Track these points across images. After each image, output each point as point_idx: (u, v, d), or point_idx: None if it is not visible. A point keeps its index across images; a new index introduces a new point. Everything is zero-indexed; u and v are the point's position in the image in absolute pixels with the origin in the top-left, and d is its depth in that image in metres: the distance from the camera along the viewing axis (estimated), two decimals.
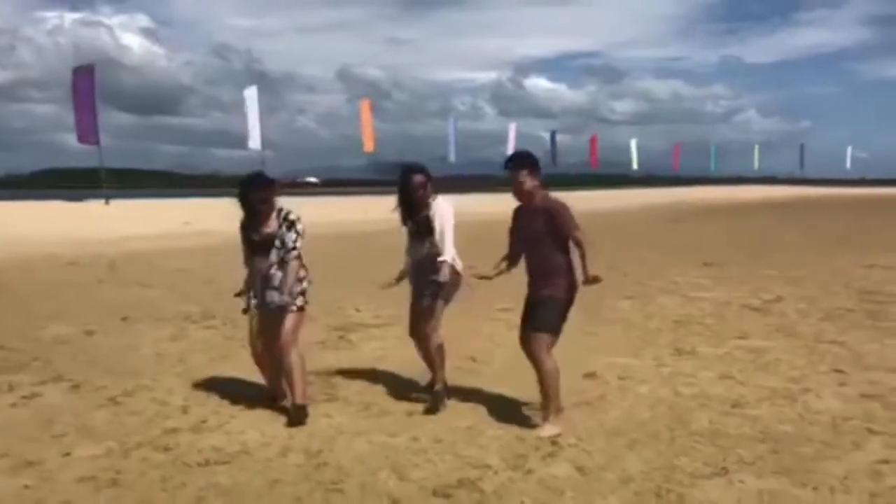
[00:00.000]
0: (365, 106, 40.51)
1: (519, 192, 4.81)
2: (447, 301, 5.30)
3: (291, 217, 5.00)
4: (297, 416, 4.91)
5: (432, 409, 5.11)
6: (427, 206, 5.26)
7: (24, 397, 5.55)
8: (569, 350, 6.67)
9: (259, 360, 5.31)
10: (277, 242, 4.95)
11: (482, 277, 5.02)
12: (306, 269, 5.10)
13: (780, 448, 4.45)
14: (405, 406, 5.25)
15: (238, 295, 5.24)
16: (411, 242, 5.41)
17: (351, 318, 8.59)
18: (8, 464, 4.24)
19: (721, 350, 6.96)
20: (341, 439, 4.61)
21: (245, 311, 5.18)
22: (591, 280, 4.63)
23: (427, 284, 5.24)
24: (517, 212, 4.96)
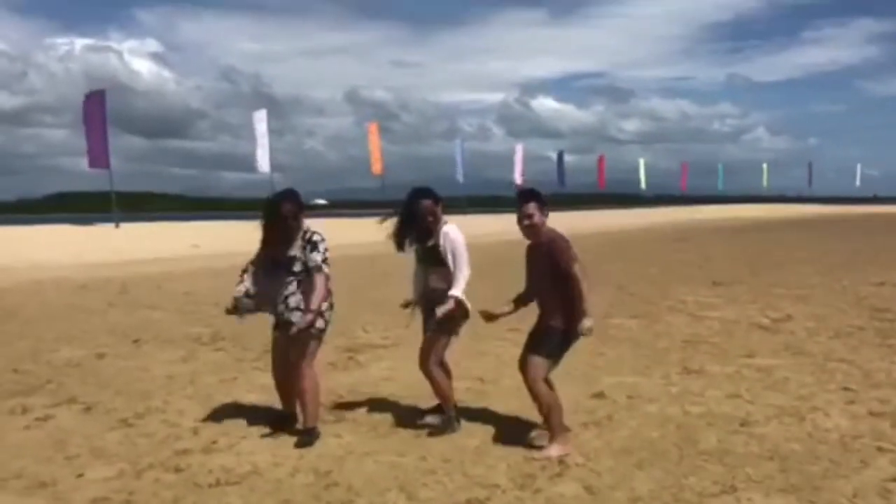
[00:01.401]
0: (373, 129, 40.79)
1: (528, 226, 4.84)
2: (455, 334, 5.20)
3: (315, 238, 5.00)
4: (306, 439, 4.94)
5: (437, 432, 5.10)
6: (435, 233, 5.11)
7: (37, 419, 5.60)
8: (577, 369, 6.73)
9: (275, 377, 5.35)
10: (298, 265, 4.95)
11: (488, 318, 5.06)
12: (330, 292, 5.10)
13: (788, 466, 4.46)
14: (413, 427, 5.27)
15: (233, 310, 5.17)
16: (417, 270, 5.27)
17: (359, 339, 8.63)
18: (22, 485, 4.29)
19: (729, 369, 6.96)
20: (350, 459, 4.64)
21: (231, 310, 5.15)
22: (581, 330, 4.62)
23: (432, 317, 5.12)
24: (528, 249, 5.00)
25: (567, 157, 66.93)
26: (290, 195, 5.03)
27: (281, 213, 4.94)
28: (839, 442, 4.91)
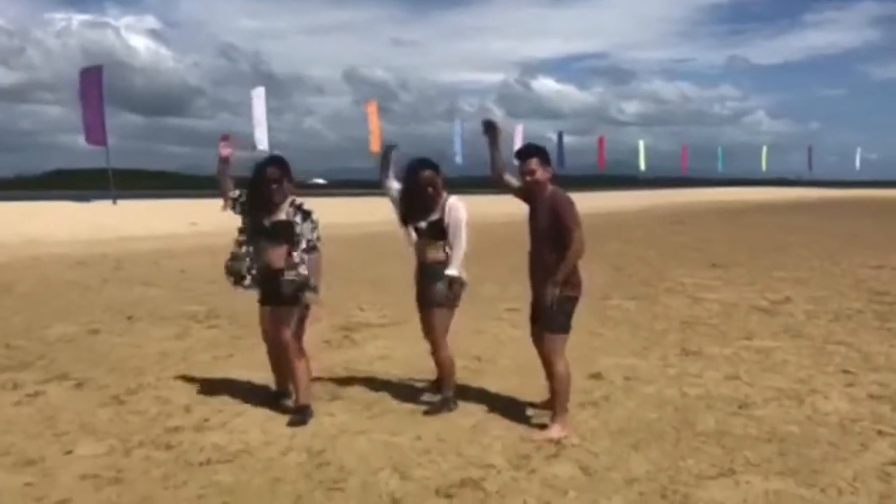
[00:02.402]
0: (372, 107, 40.57)
1: (530, 182, 4.69)
2: (452, 308, 5.09)
3: (306, 207, 4.90)
4: (298, 417, 4.88)
5: (433, 411, 5.05)
6: (437, 206, 4.99)
7: (28, 395, 5.53)
8: (574, 350, 6.61)
9: (269, 350, 5.25)
10: (287, 231, 4.81)
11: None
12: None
13: (786, 449, 4.41)
14: (409, 405, 5.21)
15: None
16: (419, 243, 5.11)
17: (355, 318, 8.56)
18: (10, 461, 4.22)
19: (728, 351, 6.91)
20: (344, 438, 4.59)
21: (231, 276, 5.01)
22: (555, 296, 4.57)
23: (431, 292, 5.04)
24: (530, 211, 4.81)
25: (567, 139, 66.80)
26: (275, 160, 4.95)
27: (266, 177, 4.82)
28: (838, 425, 4.86)
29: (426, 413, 5.03)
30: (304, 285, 4.83)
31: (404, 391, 5.54)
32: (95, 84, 26.91)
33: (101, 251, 15.98)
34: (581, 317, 7.87)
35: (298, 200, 4.93)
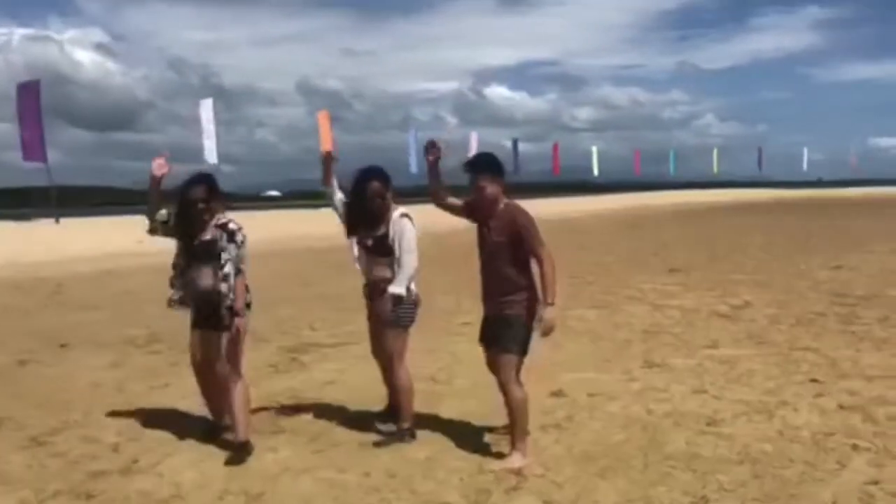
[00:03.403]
0: (323, 116, 39.86)
1: (480, 200, 4.33)
2: (406, 328, 4.75)
3: (231, 227, 4.52)
4: (238, 455, 4.47)
5: (385, 443, 4.66)
6: (384, 220, 4.65)
7: None
8: (533, 366, 6.34)
9: (198, 377, 4.82)
10: (224, 256, 4.46)
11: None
12: (247, 290, 4.63)
13: (760, 471, 4.13)
14: (357, 436, 4.82)
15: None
16: (365, 259, 4.76)
17: (305, 338, 8.14)
18: None
19: (692, 361, 6.66)
20: (286, 477, 4.19)
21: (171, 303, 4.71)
22: (546, 324, 4.17)
23: (382, 312, 4.67)
24: (479, 227, 4.42)
25: (522, 146, 66.88)
26: (201, 178, 4.59)
27: (191, 197, 4.50)
28: (812, 441, 4.60)
29: (377, 444, 4.65)
30: (232, 308, 4.47)
31: (354, 420, 5.14)
32: (33, 98, 25.95)
33: (40, 274, 15.25)
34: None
35: (224, 219, 4.56)
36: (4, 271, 15.66)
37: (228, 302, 4.45)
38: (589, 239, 22.97)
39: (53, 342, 8.30)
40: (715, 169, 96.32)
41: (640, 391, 5.76)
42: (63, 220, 27.53)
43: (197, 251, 4.53)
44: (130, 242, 21.60)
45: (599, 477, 4.11)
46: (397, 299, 4.56)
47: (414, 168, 46.89)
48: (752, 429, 4.84)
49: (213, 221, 4.52)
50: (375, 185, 4.60)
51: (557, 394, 5.68)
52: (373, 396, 5.44)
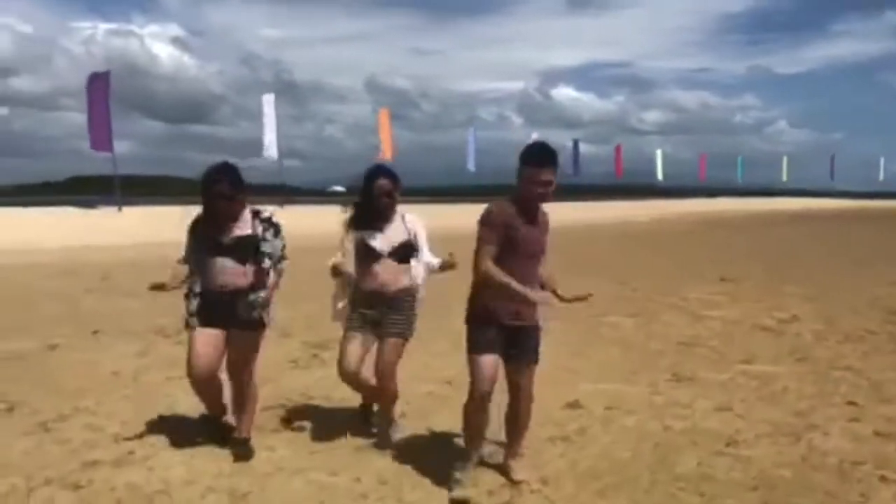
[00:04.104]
0: (384, 115, 40.12)
1: (541, 195, 3.82)
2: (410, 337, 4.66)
3: (276, 220, 4.40)
4: (247, 451, 4.41)
5: (386, 441, 4.59)
6: (390, 219, 4.51)
7: None
8: (553, 374, 6.14)
9: (202, 384, 4.49)
10: (266, 249, 4.29)
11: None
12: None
13: (774, 499, 3.87)
14: (359, 440, 4.69)
15: (156, 288, 4.35)
16: (383, 267, 4.48)
17: (330, 335, 8.03)
18: None
19: (724, 376, 6.35)
20: (277, 478, 4.09)
21: (188, 325, 4.37)
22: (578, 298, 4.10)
23: (401, 324, 4.54)
24: (515, 216, 3.82)
25: (586, 147, 66.20)
26: (226, 170, 4.30)
27: (219, 191, 4.23)
28: (837, 469, 4.30)
29: (378, 445, 4.55)
30: (265, 306, 4.37)
31: (357, 422, 5.01)
32: (102, 89, 26.64)
33: (93, 259, 15.63)
34: (567, 337, 7.48)
35: (266, 212, 4.42)
36: (59, 256, 16.10)
37: (263, 300, 4.32)
38: (644, 244, 22.49)
39: (87, 328, 8.42)
40: (784, 177, 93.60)
41: (661, 406, 5.50)
42: (126, 209, 28.20)
43: (227, 247, 4.29)
44: (184, 233, 22.05)
45: (599, 496, 3.90)
46: (448, 264, 4.69)
47: (472, 167, 46.81)
48: (774, 452, 4.55)
49: (249, 214, 4.34)
50: (383, 182, 4.48)
51: (573, 405, 5.46)
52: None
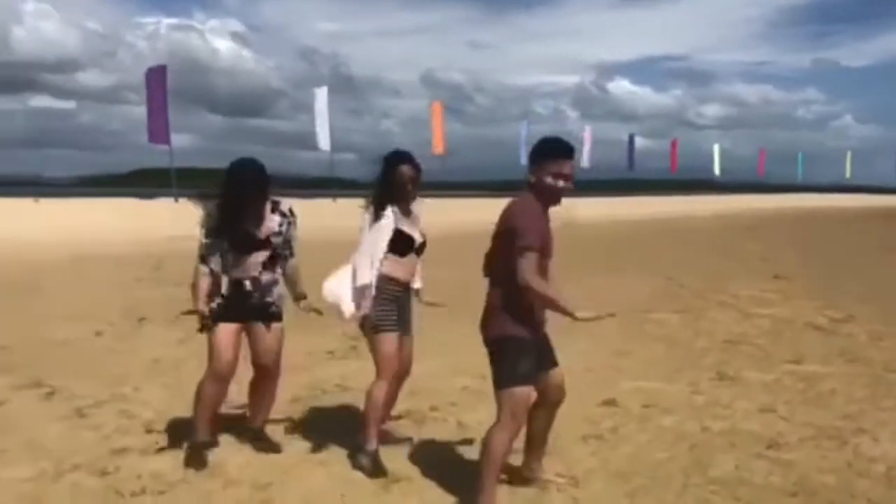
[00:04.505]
0: (436, 108, 40.15)
1: (566, 190, 3.54)
2: None
3: (294, 209, 4.33)
4: (268, 443, 4.41)
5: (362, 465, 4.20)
6: (409, 209, 4.20)
7: None
8: (592, 371, 6.02)
9: (226, 380, 4.23)
10: (279, 240, 4.22)
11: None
12: None
13: None
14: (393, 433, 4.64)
15: (192, 313, 4.21)
16: (408, 261, 4.17)
17: None
18: None
19: (769, 376, 6.12)
20: (300, 469, 4.07)
21: (203, 328, 4.17)
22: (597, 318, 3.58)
23: (413, 320, 4.32)
24: (542, 215, 3.53)
25: (643, 142, 65.28)
26: (255, 161, 4.19)
27: (255, 187, 4.10)
28: (884, 476, 4.08)
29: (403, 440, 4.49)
30: (284, 298, 4.35)
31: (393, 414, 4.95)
32: (160, 83, 27.20)
33: (147, 249, 15.93)
34: (610, 334, 7.33)
35: (285, 204, 4.32)
36: (115, 246, 16.47)
37: (283, 291, 4.30)
38: (697, 240, 22.04)
39: (134, 316, 8.56)
40: (847, 173, 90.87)
41: (701, 405, 5.32)
42: (183, 201, 28.75)
43: (254, 242, 4.16)
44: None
45: (628, 497, 3.78)
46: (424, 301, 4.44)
47: (524, 160, 46.38)
48: (818, 457, 4.35)
49: (268, 209, 4.23)
50: (407, 168, 4.14)
51: (609, 403, 5.32)
52: (419, 387, 5.29)
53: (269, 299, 4.25)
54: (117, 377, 5.87)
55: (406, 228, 4.12)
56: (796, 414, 5.13)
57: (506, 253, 3.40)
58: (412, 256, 4.20)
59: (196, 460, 4.07)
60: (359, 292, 4.04)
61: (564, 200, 3.59)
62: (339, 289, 4.11)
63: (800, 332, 8.06)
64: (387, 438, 4.39)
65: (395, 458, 4.21)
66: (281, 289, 4.33)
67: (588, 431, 4.71)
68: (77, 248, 15.87)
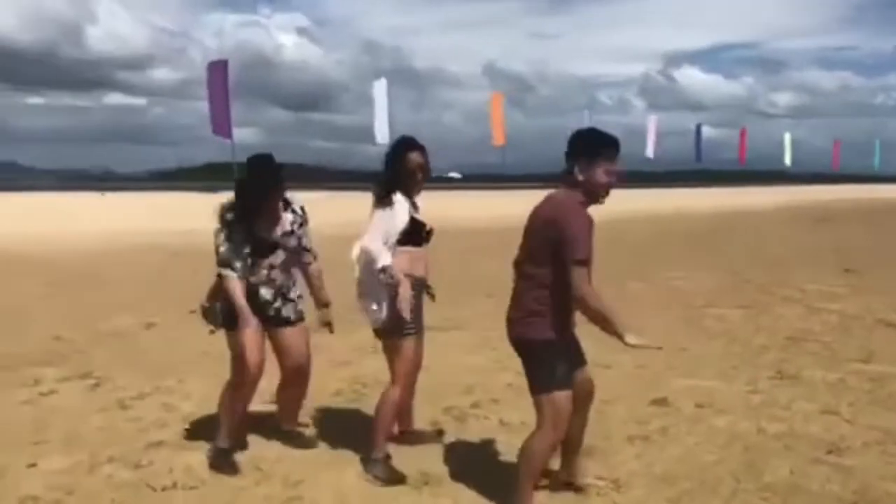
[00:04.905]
0: (496, 99, 39.88)
1: (611, 185, 3.33)
2: None
3: (306, 210, 4.18)
4: (303, 440, 4.36)
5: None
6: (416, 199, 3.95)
7: (40, 394, 5.30)
8: (646, 368, 5.80)
9: (254, 382, 4.11)
10: (304, 240, 4.10)
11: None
12: None
13: None
14: (427, 431, 4.52)
15: (205, 314, 4.23)
16: (421, 252, 3.94)
17: None
18: None
19: (833, 375, 5.79)
20: (332, 468, 3.97)
21: (215, 329, 4.13)
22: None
23: (422, 314, 4.04)
24: (590, 219, 3.26)
25: (712, 132, 63.76)
26: (272, 157, 4.04)
27: (280, 180, 4.00)
28: None
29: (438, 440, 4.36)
30: (304, 297, 4.23)
31: (424, 410, 4.80)
32: (221, 77, 27.61)
33: (199, 242, 16.15)
34: (667, 330, 7.08)
35: (297, 202, 4.16)
36: (174, 237, 16.74)
37: (300, 290, 4.19)
38: (765, 232, 21.32)
39: (186, 308, 8.62)
40: None
41: (757, 406, 5.05)
42: None
43: (273, 242, 4.02)
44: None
45: (671, 502, 3.57)
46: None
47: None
48: (882, 463, 4.06)
49: (280, 207, 4.08)
50: (416, 155, 3.88)
51: (660, 402, 5.10)
52: (457, 385, 5.17)
53: (288, 300, 4.13)
54: (163, 369, 5.91)
55: (416, 215, 3.89)
56: (861, 416, 4.82)
57: (545, 254, 3.21)
58: (425, 247, 3.96)
59: (224, 463, 3.98)
60: (379, 287, 3.74)
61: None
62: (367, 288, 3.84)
63: (869, 328, 7.63)
64: (415, 439, 4.27)
65: (429, 458, 4.09)
66: (300, 288, 4.22)
67: (635, 432, 4.51)
68: (138, 240, 16.21)
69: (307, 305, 4.25)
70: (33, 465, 3.99)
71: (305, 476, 3.85)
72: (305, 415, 4.62)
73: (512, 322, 3.39)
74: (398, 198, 3.80)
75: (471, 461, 4.06)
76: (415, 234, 3.85)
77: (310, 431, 4.50)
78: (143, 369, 5.90)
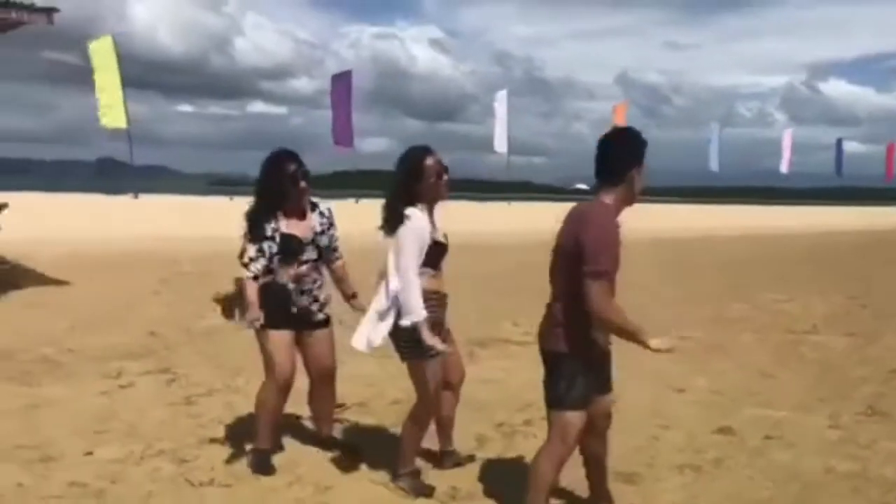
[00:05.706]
0: (619, 110, 39.17)
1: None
2: None
3: (333, 211, 4.20)
4: (344, 446, 4.38)
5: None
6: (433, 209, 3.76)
7: (120, 386, 5.60)
8: (718, 395, 5.54)
9: (287, 389, 4.12)
10: (323, 241, 4.10)
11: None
12: None
13: None
14: (470, 443, 4.48)
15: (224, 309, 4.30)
16: (438, 266, 3.79)
17: (498, 333, 7.89)
18: (28, 456, 4.14)
19: None
20: (364, 477, 4.00)
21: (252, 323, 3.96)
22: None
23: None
24: (618, 229, 3.17)
25: (859, 146, 60.33)
26: (296, 154, 4.03)
27: (307, 177, 3.96)
28: None
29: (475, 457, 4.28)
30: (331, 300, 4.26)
31: (475, 424, 4.77)
32: (345, 88, 28.51)
33: None
34: (758, 354, 6.73)
35: (323, 204, 4.17)
36: None
37: (328, 292, 4.20)
38: None
39: None
40: None
41: (833, 442, 4.70)
42: (364, 202, 29.95)
43: (303, 245, 4.01)
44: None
45: None
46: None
47: (714, 166, 44.17)
48: None
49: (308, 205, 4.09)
50: (433, 162, 3.67)
51: (725, 430, 4.83)
52: (516, 400, 5.10)
53: (318, 303, 4.16)
54: (235, 368, 6.10)
55: (438, 236, 3.74)
56: None
57: (569, 268, 3.10)
58: (439, 265, 3.80)
59: (260, 463, 4.05)
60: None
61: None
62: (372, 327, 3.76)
63: None
64: (445, 461, 4.15)
65: (464, 474, 4.06)
66: (328, 291, 4.24)
67: (686, 461, 4.29)
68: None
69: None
70: (90, 453, 4.22)
71: (336, 482, 3.90)
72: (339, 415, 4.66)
73: (540, 333, 3.33)
74: (416, 212, 3.64)
75: (504, 479, 3.96)
76: (435, 255, 3.71)
77: (347, 438, 4.53)
78: (219, 367, 6.14)
